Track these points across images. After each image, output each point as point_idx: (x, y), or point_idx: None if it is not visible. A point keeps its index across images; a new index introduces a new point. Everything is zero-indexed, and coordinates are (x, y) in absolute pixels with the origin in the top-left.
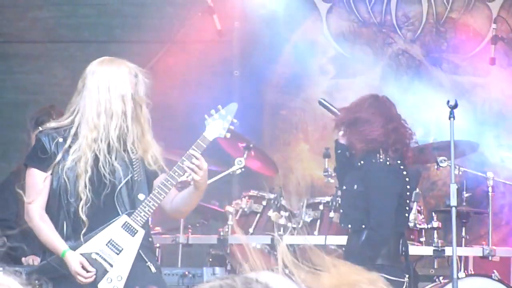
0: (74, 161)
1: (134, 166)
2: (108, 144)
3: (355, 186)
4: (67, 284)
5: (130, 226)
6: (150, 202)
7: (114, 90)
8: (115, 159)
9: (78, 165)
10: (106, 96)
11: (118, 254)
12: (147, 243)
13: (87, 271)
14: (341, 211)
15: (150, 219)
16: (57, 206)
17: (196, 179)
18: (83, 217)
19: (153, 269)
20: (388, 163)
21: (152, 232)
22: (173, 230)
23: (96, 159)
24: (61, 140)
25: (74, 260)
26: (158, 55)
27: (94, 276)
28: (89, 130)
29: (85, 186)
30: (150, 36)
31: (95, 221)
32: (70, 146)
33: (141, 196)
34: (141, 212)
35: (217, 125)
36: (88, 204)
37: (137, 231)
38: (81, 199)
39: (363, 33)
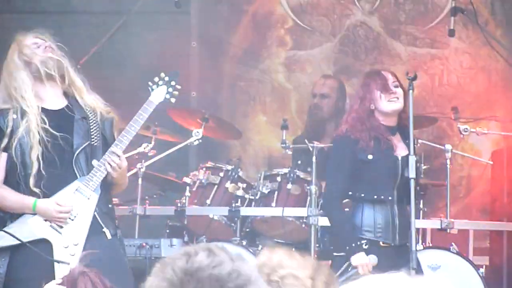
0: (26, 134)
1: (91, 132)
2: None
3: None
4: (24, 253)
5: (83, 191)
6: (101, 166)
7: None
8: (70, 126)
9: (30, 137)
10: None
11: (73, 220)
12: (105, 209)
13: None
14: None
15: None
16: (15, 180)
17: (114, 177)
18: (36, 189)
19: (108, 235)
20: None
21: None
22: (130, 202)
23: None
24: (14, 116)
25: (48, 203)
26: (116, 26)
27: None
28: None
29: (39, 157)
30: (108, 7)
31: (56, 190)
32: (22, 119)
33: (95, 163)
34: (93, 177)
35: (162, 91)
36: (47, 174)
37: (91, 195)
38: (37, 170)
39: (321, 5)
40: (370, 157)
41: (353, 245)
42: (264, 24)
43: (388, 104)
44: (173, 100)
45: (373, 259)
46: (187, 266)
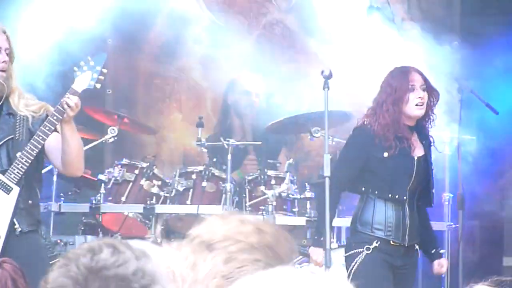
0: None
1: (16, 126)
2: None
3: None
4: None
5: (3, 184)
6: (22, 158)
7: None
8: None
9: None
10: None
11: None
12: (23, 205)
13: None
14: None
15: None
16: None
17: (70, 115)
18: None
19: (17, 231)
20: None
21: None
22: (45, 198)
23: None
24: None
25: None
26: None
27: None
28: None
29: None
30: None
31: None
32: None
33: (18, 154)
34: (14, 169)
35: (86, 76)
36: None
37: (12, 188)
38: None
39: (237, 3)
40: (385, 154)
41: (322, 238)
42: (180, 21)
43: (415, 108)
44: (98, 85)
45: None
46: (91, 264)
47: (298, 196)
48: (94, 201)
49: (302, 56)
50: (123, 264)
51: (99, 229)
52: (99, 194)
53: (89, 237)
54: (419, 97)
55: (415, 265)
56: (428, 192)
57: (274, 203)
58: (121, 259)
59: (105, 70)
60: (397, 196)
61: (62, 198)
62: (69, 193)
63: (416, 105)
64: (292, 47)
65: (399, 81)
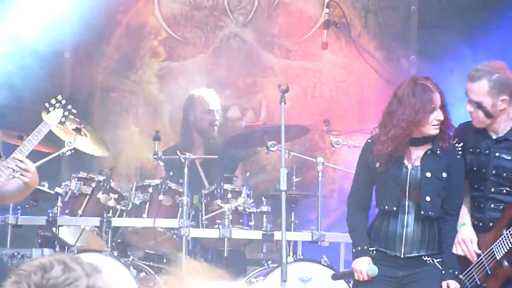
0: None
1: None
2: None
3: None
4: None
5: None
6: None
7: None
8: None
9: None
10: None
11: None
12: None
13: None
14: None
15: None
16: None
17: (26, 181)
18: None
19: None
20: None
21: None
22: (2, 211)
23: None
24: None
25: None
26: None
27: None
28: None
29: None
30: None
31: None
32: None
33: None
34: None
35: (58, 114)
36: None
37: None
38: None
39: (195, 16)
40: (377, 165)
41: (359, 248)
42: (138, 35)
43: (432, 128)
44: (68, 124)
45: (371, 270)
46: (42, 282)
47: (255, 210)
48: (51, 214)
49: (259, 70)
50: (73, 282)
51: (56, 242)
52: (56, 207)
53: (46, 249)
54: (437, 119)
55: (428, 275)
56: (449, 202)
57: (231, 217)
58: (72, 277)
59: (74, 110)
60: (386, 207)
61: (19, 211)
62: (26, 206)
63: (433, 125)
64: (249, 60)
65: (422, 102)
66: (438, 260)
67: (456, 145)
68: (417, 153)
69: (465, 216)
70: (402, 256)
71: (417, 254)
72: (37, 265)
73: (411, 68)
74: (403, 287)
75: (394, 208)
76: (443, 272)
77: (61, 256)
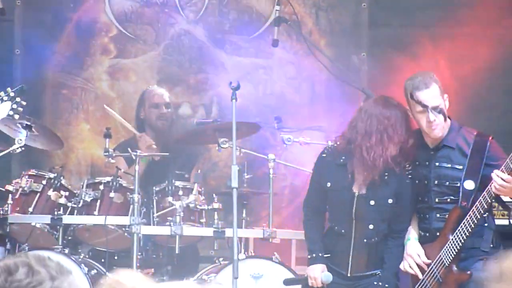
0: None
1: None
2: None
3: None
4: None
5: None
6: None
7: None
8: None
9: None
10: None
11: None
12: None
13: None
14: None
15: None
16: None
17: None
18: None
19: None
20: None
21: None
22: None
23: None
24: None
25: None
26: None
27: None
28: None
29: None
30: None
31: None
32: None
33: None
34: None
35: (6, 107)
36: None
37: None
38: None
39: (146, 13)
40: (328, 184)
41: (314, 255)
42: (88, 32)
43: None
44: (16, 116)
45: (326, 277)
46: (5, 286)
47: (206, 207)
48: (1, 212)
49: (210, 66)
50: (37, 285)
51: (6, 240)
52: (6, 205)
53: None
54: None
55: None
56: (392, 227)
57: (182, 214)
58: (35, 280)
59: (24, 102)
60: (336, 228)
61: None
62: None
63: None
64: (200, 57)
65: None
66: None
67: (407, 166)
68: (370, 176)
69: (410, 231)
70: (349, 275)
71: (363, 274)
72: (2, 267)
73: (362, 65)
74: None
75: (343, 231)
76: (375, 283)
77: (28, 257)
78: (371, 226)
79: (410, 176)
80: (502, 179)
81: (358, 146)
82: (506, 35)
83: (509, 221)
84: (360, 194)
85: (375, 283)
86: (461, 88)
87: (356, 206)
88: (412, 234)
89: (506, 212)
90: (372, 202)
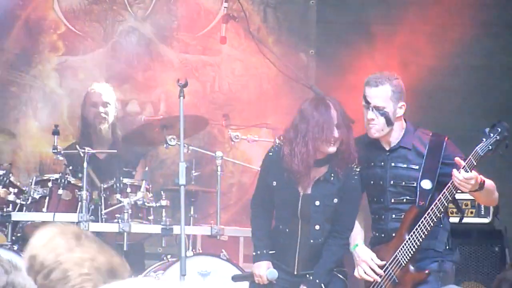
0: None
1: None
2: None
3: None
4: None
5: None
6: None
7: None
8: None
9: None
10: None
11: None
12: None
13: None
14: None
15: None
16: None
17: None
18: None
19: None
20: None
21: None
22: None
23: None
24: None
25: None
26: None
27: None
28: None
29: None
30: None
31: None
32: None
33: None
34: None
35: None
36: None
37: None
38: None
39: (94, 10)
40: (274, 183)
41: (259, 252)
42: (37, 29)
43: (330, 146)
44: None
45: (271, 274)
46: None
47: (154, 204)
48: None
49: (158, 64)
50: None
51: None
52: None
53: None
54: (335, 136)
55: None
56: (335, 226)
57: (130, 211)
58: None
59: None
60: (281, 227)
61: None
62: None
63: (329, 144)
64: (148, 55)
65: (324, 119)
66: (337, 269)
67: (354, 167)
68: (313, 175)
69: (357, 237)
70: (295, 273)
71: (310, 271)
72: None
73: (310, 62)
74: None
75: (287, 230)
76: (307, 277)
77: None
78: (317, 227)
79: (356, 177)
80: (465, 179)
81: (296, 147)
82: (453, 33)
83: (460, 221)
84: (305, 194)
85: (307, 276)
86: (410, 86)
87: (301, 206)
88: (359, 240)
89: (457, 210)
90: (317, 203)
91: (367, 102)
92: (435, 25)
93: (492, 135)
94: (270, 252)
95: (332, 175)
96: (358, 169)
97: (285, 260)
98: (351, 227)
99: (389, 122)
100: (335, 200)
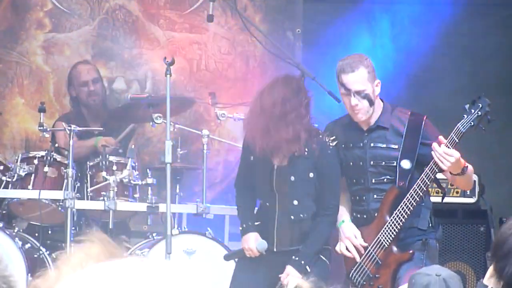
0: None
1: None
2: None
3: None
4: None
5: None
6: None
7: None
8: None
9: None
10: None
11: None
12: None
13: None
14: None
15: None
16: None
17: None
18: None
19: None
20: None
21: None
22: None
23: None
24: None
25: None
26: None
27: None
28: None
29: None
30: None
31: None
32: None
33: None
34: None
35: None
36: None
37: None
38: None
39: None
40: (251, 158)
41: (244, 225)
42: (23, 6)
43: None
44: None
45: (261, 245)
46: None
47: (140, 182)
48: None
49: (145, 42)
50: None
51: None
52: None
53: None
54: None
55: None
56: (319, 202)
57: (116, 189)
58: None
59: None
60: (261, 201)
61: None
62: None
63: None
64: (135, 32)
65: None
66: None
67: (327, 139)
68: (288, 150)
69: (343, 213)
70: (275, 250)
71: (290, 249)
72: None
73: (297, 41)
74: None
75: (267, 204)
76: (293, 258)
77: None
78: (295, 202)
79: (330, 151)
80: (445, 152)
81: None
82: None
83: (442, 199)
84: (279, 166)
85: (293, 257)
86: (401, 65)
87: (276, 179)
88: (346, 216)
89: (439, 190)
90: (292, 178)
91: (347, 89)
92: (423, 4)
93: (473, 111)
94: (256, 223)
95: (307, 149)
96: (333, 144)
97: (266, 235)
98: (334, 202)
99: (371, 103)
100: (311, 175)
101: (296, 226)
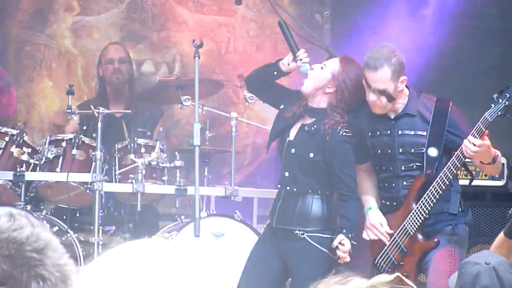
0: None
1: None
2: None
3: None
4: None
5: None
6: None
7: None
8: None
9: None
10: None
11: None
12: None
13: None
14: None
15: None
16: None
17: None
18: None
19: None
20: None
21: None
22: None
23: None
24: None
25: None
26: None
27: None
28: None
29: None
30: None
31: None
32: None
33: None
34: None
35: None
36: None
37: None
38: None
39: None
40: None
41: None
42: None
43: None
44: None
45: (303, 67)
46: None
47: (168, 165)
48: None
49: (173, 24)
50: (18, 229)
51: None
52: None
53: None
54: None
55: (300, 251)
56: (337, 186)
57: (144, 172)
58: (17, 225)
59: None
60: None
61: None
62: None
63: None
64: (163, 15)
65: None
66: (310, 235)
67: (341, 132)
68: (301, 122)
69: (370, 200)
70: (274, 225)
71: (288, 228)
72: None
73: (325, 23)
74: (282, 260)
75: (279, 186)
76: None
77: (10, 210)
78: (286, 174)
79: (342, 139)
80: (474, 144)
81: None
82: None
83: (470, 183)
84: (290, 140)
85: (313, 243)
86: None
87: (285, 152)
88: (373, 203)
89: (467, 173)
90: (292, 150)
91: (368, 84)
92: None
93: (501, 100)
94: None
95: (314, 127)
96: (347, 135)
97: (271, 213)
98: (351, 183)
99: (391, 99)
100: (311, 155)
101: (296, 204)
